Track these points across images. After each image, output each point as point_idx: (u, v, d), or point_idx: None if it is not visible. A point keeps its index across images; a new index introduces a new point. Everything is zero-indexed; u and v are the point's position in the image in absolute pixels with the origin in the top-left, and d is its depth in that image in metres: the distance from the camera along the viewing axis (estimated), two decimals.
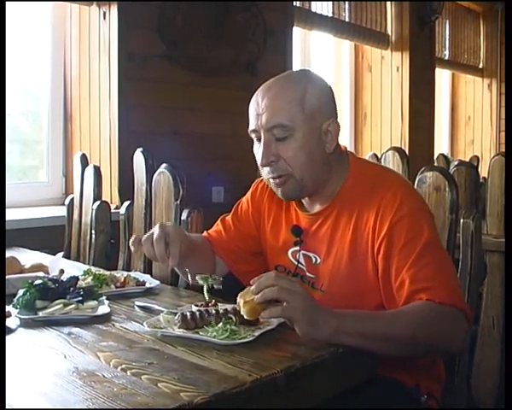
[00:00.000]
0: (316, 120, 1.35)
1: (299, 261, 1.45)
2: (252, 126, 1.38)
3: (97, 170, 2.42)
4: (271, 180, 1.40)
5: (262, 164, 1.37)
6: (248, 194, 1.62)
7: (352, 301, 1.33)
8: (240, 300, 1.17)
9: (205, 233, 1.66)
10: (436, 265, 1.27)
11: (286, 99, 1.34)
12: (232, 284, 1.57)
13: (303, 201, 1.46)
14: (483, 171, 4.49)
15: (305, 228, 1.44)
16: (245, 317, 1.17)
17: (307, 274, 1.44)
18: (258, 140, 1.38)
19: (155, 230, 1.35)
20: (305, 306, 1.12)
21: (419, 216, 1.32)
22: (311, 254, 1.44)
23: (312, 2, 3.94)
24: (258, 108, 1.36)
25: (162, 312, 1.32)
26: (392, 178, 1.41)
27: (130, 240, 1.40)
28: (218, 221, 1.66)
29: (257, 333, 1.18)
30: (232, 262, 1.60)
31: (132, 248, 1.39)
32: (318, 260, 1.42)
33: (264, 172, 1.40)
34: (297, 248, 1.45)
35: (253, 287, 1.14)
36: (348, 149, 1.50)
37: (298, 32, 3.92)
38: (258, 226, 1.58)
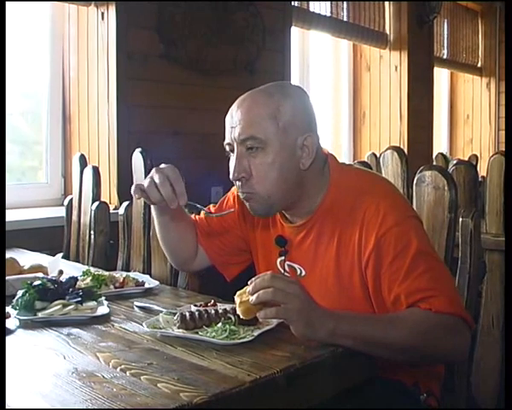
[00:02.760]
0: (289, 135, 1.32)
1: (285, 270, 1.44)
2: (226, 140, 1.37)
3: (96, 170, 2.42)
4: (240, 194, 1.39)
5: (232, 178, 1.35)
6: (235, 192, 1.57)
7: None
8: (237, 299, 1.17)
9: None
10: (430, 273, 1.25)
11: (259, 112, 1.32)
12: (231, 283, 1.57)
13: (284, 212, 1.44)
14: (482, 169, 4.50)
15: (290, 238, 1.42)
16: (241, 316, 1.18)
17: None
18: (233, 152, 1.36)
19: (153, 174, 1.33)
20: (300, 307, 1.12)
21: (405, 226, 1.29)
22: (296, 266, 1.42)
23: (311, 2, 3.94)
24: (232, 120, 1.35)
25: (161, 312, 1.32)
26: (374, 188, 1.36)
27: (132, 188, 1.37)
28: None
29: (256, 333, 1.18)
30: (212, 251, 1.61)
31: (136, 196, 1.37)
32: (303, 273, 1.41)
33: (237, 185, 1.39)
34: (282, 258, 1.44)
35: (249, 288, 1.14)
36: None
37: (296, 32, 3.91)
38: (245, 226, 1.56)
